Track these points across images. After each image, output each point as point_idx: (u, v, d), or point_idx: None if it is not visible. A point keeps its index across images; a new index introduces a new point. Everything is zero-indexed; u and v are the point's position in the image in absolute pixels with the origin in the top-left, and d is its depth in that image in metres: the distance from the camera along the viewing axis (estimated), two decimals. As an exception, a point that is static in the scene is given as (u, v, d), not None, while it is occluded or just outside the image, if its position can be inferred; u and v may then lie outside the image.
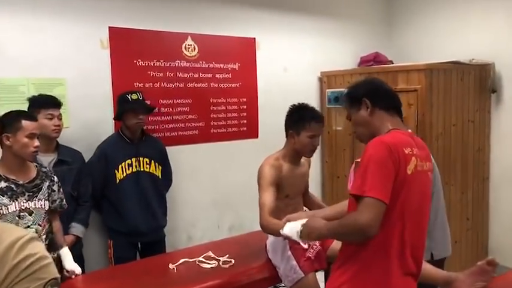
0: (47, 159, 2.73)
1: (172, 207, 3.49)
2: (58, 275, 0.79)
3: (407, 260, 1.76)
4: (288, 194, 2.59)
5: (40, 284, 0.75)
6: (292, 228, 2.04)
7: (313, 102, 4.42)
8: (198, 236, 3.79)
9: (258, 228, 3.88)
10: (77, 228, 2.89)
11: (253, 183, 4.02)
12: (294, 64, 4.26)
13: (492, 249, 4.25)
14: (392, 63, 4.49)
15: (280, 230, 2.12)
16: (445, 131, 3.79)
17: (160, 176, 3.25)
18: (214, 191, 3.88)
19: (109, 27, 3.24)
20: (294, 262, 2.52)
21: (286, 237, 2.13)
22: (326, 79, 4.38)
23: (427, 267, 2.21)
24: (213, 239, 3.82)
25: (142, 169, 3.15)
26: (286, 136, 2.63)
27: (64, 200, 2.54)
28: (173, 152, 3.46)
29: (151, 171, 3.20)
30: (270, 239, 2.66)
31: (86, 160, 3.05)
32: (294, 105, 2.67)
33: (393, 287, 1.74)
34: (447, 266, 3.17)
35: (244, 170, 3.99)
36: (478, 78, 4.03)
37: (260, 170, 2.59)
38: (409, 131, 1.85)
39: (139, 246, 3.23)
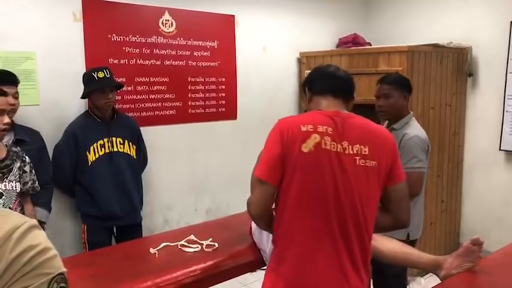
0: (4, 139, 2.53)
1: (148, 190, 3.36)
2: (65, 269, 0.67)
3: (326, 253, 1.64)
4: None
5: (45, 280, 0.63)
6: None
7: (292, 83, 4.36)
8: (175, 220, 3.68)
9: (235, 211, 3.84)
10: (40, 213, 2.64)
11: (230, 166, 3.97)
12: (273, 44, 4.16)
13: (464, 230, 4.34)
14: (371, 45, 4.46)
15: None
16: (424, 114, 3.79)
17: (135, 156, 3.11)
18: (191, 173, 3.76)
19: (82, -2, 3.04)
20: (280, 245, 2.46)
21: None
22: (305, 60, 4.31)
23: (412, 252, 2.19)
24: (190, 222, 3.73)
25: (115, 149, 3.00)
26: None
27: (37, 182, 2.38)
28: (149, 132, 3.32)
29: (125, 151, 3.05)
30: (255, 222, 2.59)
31: (45, 140, 2.84)
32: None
33: (304, 280, 1.66)
34: (422, 247, 3.21)
35: (222, 152, 3.91)
36: (456, 61, 4.06)
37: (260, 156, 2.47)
38: (345, 112, 1.74)
39: (114, 230, 3.09)
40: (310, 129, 1.63)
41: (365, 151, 1.65)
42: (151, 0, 3.36)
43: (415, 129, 2.60)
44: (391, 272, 2.55)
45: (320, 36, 4.51)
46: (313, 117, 1.69)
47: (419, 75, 3.70)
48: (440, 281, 2.02)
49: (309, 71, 4.18)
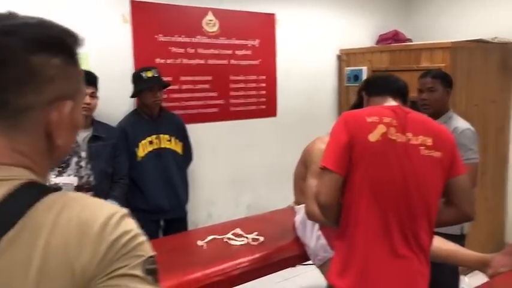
0: (82, 135, 2.67)
1: (192, 185, 3.46)
2: (154, 253, 0.75)
3: (393, 240, 1.70)
4: None
5: (139, 262, 0.71)
6: None
7: (332, 80, 4.38)
8: (217, 214, 3.78)
9: (275, 206, 3.90)
10: None
11: (270, 162, 4.03)
12: (312, 41, 4.19)
13: (509, 229, 4.25)
14: (411, 42, 4.42)
15: None
16: (467, 111, 3.73)
17: (181, 153, 3.22)
18: (233, 169, 3.85)
19: (131, 1, 3.16)
20: (324, 241, 2.50)
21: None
22: (345, 57, 4.31)
23: (457, 250, 2.19)
24: (232, 217, 3.81)
25: (163, 146, 3.12)
26: None
27: (91, 177, 2.51)
28: (193, 129, 3.42)
29: (172, 147, 3.17)
30: (298, 216, 2.64)
31: None
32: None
33: (372, 270, 1.71)
34: (465, 246, 3.18)
35: (261, 149, 3.97)
36: (501, 57, 3.97)
37: (312, 154, 2.50)
38: (405, 108, 1.83)
39: (161, 223, 3.21)
40: (376, 121, 1.69)
41: (429, 142, 1.72)
42: (195, 1, 3.46)
43: (464, 123, 2.66)
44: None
45: (360, 33, 4.51)
46: (377, 110, 1.77)
47: (462, 72, 3.65)
48: (488, 279, 2.02)
49: (349, 68, 4.24)
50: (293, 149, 4.14)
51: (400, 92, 1.89)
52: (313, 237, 2.54)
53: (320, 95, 4.30)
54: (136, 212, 2.93)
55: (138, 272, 0.70)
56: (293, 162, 4.08)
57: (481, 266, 2.10)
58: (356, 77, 4.18)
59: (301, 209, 2.60)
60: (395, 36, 4.49)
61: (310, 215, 2.37)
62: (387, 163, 1.68)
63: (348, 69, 4.28)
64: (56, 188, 0.74)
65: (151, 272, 0.72)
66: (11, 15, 0.76)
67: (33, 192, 0.71)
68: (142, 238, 0.74)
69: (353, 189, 1.71)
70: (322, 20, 4.23)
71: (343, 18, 4.37)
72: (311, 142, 2.63)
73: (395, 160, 1.68)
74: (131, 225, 0.73)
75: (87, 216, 0.70)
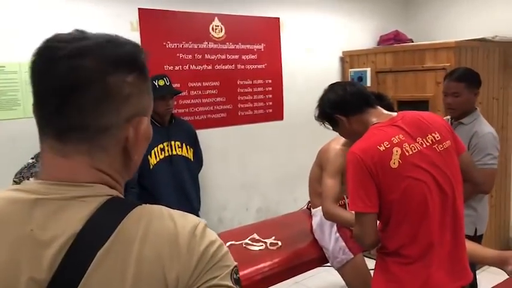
0: None
1: (203, 191, 3.46)
2: (236, 263, 0.76)
3: (452, 257, 1.75)
4: (344, 183, 2.54)
5: (227, 272, 0.72)
6: None
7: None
8: (229, 218, 3.79)
9: (284, 210, 3.92)
10: None
11: (279, 165, 4.04)
12: (316, 44, 4.22)
13: (514, 225, 4.31)
14: (412, 42, 4.46)
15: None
16: (472, 109, 3.78)
17: (192, 159, 3.22)
18: (242, 173, 3.86)
19: (138, 8, 3.16)
20: (343, 243, 2.53)
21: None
22: (348, 59, 4.35)
23: (475, 248, 2.21)
24: (243, 221, 3.83)
25: (174, 153, 3.12)
26: None
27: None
28: (202, 135, 3.43)
29: (183, 154, 3.17)
30: (316, 219, 2.66)
31: None
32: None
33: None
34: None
35: (270, 153, 3.99)
36: (503, 55, 4.02)
37: (327, 154, 2.52)
38: (394, 114, 1.80)
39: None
40: (388, 146, 1.67)
41: (437, 137, 1.74)
42: (201, 7, 3.47)
43: (486, 126, 2.62)
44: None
45: (361, 35, 4.54)
46: (381, 134, 1.72)
47: (466, 71, 3.69)
48: (508, 276, 2.05)
49: (353, 70, 4.26)
50: (300, 151, 4.18)
51: (372, 97, 1.88)
52: (332, 239, 2.56)
53: (325, 97, 4.32)
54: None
55: (228, 282, 0.72)
56: (301, 164, 4.12)
57: (500, 264, 2.10)
58: (360, 78, 4.21)
59: (318, 212, 2.62)
60: (396, 37, 4.52)
61: (328, 215, 2.38)
62: (418, 178, 1.68)
63: (351, 70, 4.31)
64: (137, 202, 0.76)
65: (238, 281, 0.74)
66: (82, 35, 0.76)
67: (119, 207, 0.73)
68: (226, 248, 0.76)
69: (395, 218, 1.70)
70: (325, 23, 4.26)
71: (344, 21, 4.40)
72: (326, 144, 2.66)
73: (422, 172, 1.68)
74: (214, 235, 0.76)
75: (175, 227, 0.72)
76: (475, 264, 2.73)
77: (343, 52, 4.38)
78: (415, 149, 1.70)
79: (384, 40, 4.58)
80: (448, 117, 2.80)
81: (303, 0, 4.08)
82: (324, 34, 4.27)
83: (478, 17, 4.28)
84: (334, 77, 4.38)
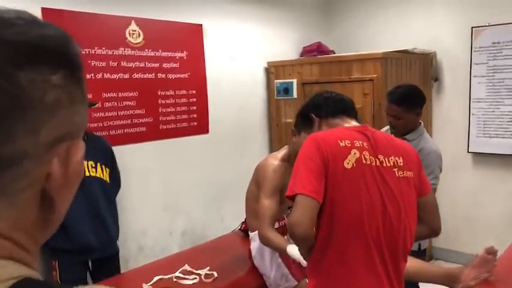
0: None
1: (120, 215, 3.05)
2: None
3: (378, 277, 1.56)
4: (285, 201, 2.30)
5: None
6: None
7: (261, 92, 4.23)
8: (150, 245, 3.40)
9: (212, 231, 3.62)
10: None
11: (205, 182, 3.74)
12: (240, 53, 4.01)
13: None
14: (335, 53, 4.44)
15: (287, 248, 2.03)
16: (397, 120, 3.79)
17: (108, 180, 2.82)
18: (165, 193, 3.50)
19: (42, 8, 2.71)
20: (286, 269, 2.30)
21: (291, 256, 2.03)
22: (274, 69, 4.18)
23: (422, 267, 2.13)
24: (166, 247, 3.47)
25: (88, 174, 2.70)
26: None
27: None
28: (119, 152, 3.03)
29: (98, 175, 2.76)
30: (255, 244, 2.40)
31: None
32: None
33: None
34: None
35: (195, 169, 3.68)
36: (422, 67, 4.11)
37: (264, 170, 2.29)
38: (366, 125, 1.74)
39: (89, 264, 2.77)
40: (348, 145, 1.55)
41: (400, 162, 1.61)
42: (116, 9, 3.09)
43: (429, 144, 2.58)
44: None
45: (285, 46, 4.42)
46: (347, 133, 1.62)
47: (392, 82, 3.68)
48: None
49: (278, 81, 4.12)
50: (227, 166, 3.92)
51: (353, 109, 1.82)
52: (273, 266, 2.32)
53: (251, 107, 4.13)
54: (59, 254, 2.49)
55: None
56: (228, 180, 3.87)
57: (450, 281, 2.05)
58: (286, 89, 4.07)
59: (257, 236, 2.36)
60: (319, 48, 4.47)
61: (263, 239, 2.18)
62: (365, 191, 1.53)
63: (277, 81, 4.15)
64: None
65: None
66: None
67: None
68: None
69: (331, 221, 1.52)
70: (249, 32, 4.07)
71: (268, 31, 4.25)
72: (263, 159, 2.43)
73: (373, 186, 1.54)
74: None
75: None
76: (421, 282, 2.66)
77: (268, 63, 4.22)
78: (373, 162, 1.56)
79: (307, 51, 4.50)
80: (386, 127, 2.73)
81: (226, 7, 3.85)
82: (248, 43, 4.07)
83: (399, 31, 4.37)
84: (260, 88, 4.21)
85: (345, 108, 1.79)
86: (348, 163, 1.51)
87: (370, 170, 1.55)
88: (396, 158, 1.61)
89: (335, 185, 1.49)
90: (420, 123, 2.65)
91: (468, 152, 4.10)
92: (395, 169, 1.59)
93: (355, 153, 1.53)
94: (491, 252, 2.00)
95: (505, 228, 4.01)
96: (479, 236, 4.18)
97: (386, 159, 1.59)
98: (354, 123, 1.74)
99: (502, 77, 3.84)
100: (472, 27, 3.93)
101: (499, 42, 3.82)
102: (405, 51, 3.86)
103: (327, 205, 1.50)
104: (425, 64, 4.14)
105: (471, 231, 4.22)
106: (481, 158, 4.08)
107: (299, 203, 1.47)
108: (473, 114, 4.04)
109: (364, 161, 1.54)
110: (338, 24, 4.81)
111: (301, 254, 1.70)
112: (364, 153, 1.55)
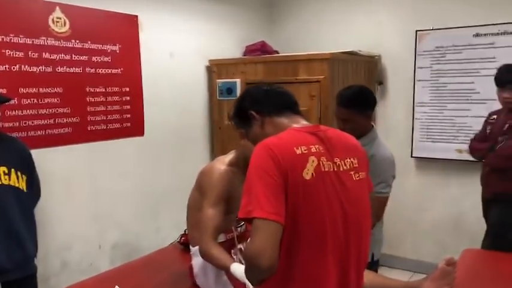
0: None
1: (40, 228, 2.65)
2: None
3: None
4: (233, 211, 2.04)
5: None
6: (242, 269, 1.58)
7: (202, 92, 3.96)
8: (75, 261, 3.02)
9: (146, 243, 3.30)
10: None
11: (139, 190, 3.41)
12: (180, 50, 3.71)
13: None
14: (278, 53, 4.27)
15: (231, 267, 1.82)
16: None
17: (25, 189, 2.42)
18: (93, 202, 3.13)
19: None
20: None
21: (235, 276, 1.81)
22: (216, 68, 3.92)
23: (381, 282, 1.99)
24: (94, 262, 3.11)
25: (-1, 182, 2.30)
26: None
27: None
28: (40, 156, 2.63)
29: (11, 183, 2.34)
30: (197, 260, 2.13)
31: None
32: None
33: None
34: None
35: (128, 175, 3.35)
36: (368, 69, 4.03)
37: (209, 176, 2.04)
38: (317, 125, 1.52)
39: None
40: (305, 151, 1.34)
41: (355, 163, 1.46)
42: (37, -8, 2.70)
43: (383, 150, 2.39)
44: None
45: (227, 43, 4.18)
46: (300, 136, 1.41)
47: (339, 84, 3.55)
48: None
49: (221, 80, 3.87)
50: (164, 172, 3.60)
51: (297, 104, 1.59)
52: (219, 284, 2.06)
53: (191, 108, 3.84)
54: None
55: None
56: (165, 188, 3.55)
57: None
58: (229, 90, 3.82)
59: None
60: (263, 48, 4.27)
61: (204, 254, 1.95)
62: (327, 202, 1.35)
63: (219, 81, 3.90)
64: None
65: None
66: None
67: None
68: None
69: (294, 240, 1.31)
70: (189, 26, 3.78)
71: (209, 27, 3.99)
72: (208, 164, 2.18)
73: (334, 197, 1.36)
74: None
75: None
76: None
77: (210, 61, 3.95)
78: (331, 168, 1.38)
79: (250, 51, 4.28)
80: None
81: (165, -2, 3.55)
82: (188, 39, 3.78)
83: (343, 32, 4.27)
84: (201, 87, 3.94)
85: (289, 103, 1.56)
86: (307, 173, 1.30)
87: (329, 178, 1.37)
88: (351, 159, 1.46)
89: (296, 202, 1.28)
90: (372, 126, 2.49)
91: (411, 156, 4.07)
92: (352, 172, 1.44)
93: (313, 161, 1.33)
94: (451, 263, 1.87)
95: (447, 233, 4.01)
96: (422, 241, 4.17)
97: (342, 162, 1.42)
98: (303, 122, 1.52)
99: (445, 81, 3.84)
100: (417, 31, 3.91)
101: (442, 46, 3.81)
102: (351, 53, 3.75)
103: (288, 225, 1.27)
104: (371, 67, 4.06)
105: (415, 236, 4.19)
106: (424, 162, 4.06)
107: (259, 228, 1.23)
108: (416, 119, 4.01)
109: (323, 169, 1.36)
110: (282, 24, 4.64)
111: (250, 280, 1.45)
112: (321, 159, 1.36)
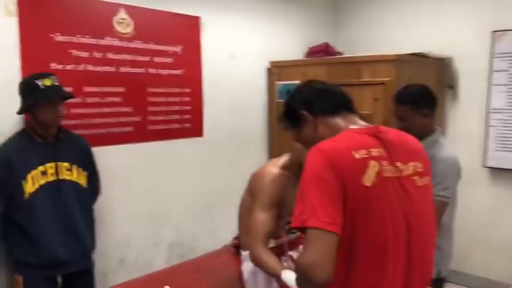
0: None
1: (99, 225, 2.73)
2: None
3: None
4: (284, 216, 1.97)
5: None
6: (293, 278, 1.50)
7: (261, 94, 3.91)
8: (132, 258, 3.07)
9: (202, 244, 3.29)
10: None
11: (196, 191, 3.42)
12: (241, 51, 3.69)
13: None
14: (341, 55, 4.13)
15: (282, 274, 1.71)
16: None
17: (85, 185, 2.49)
18: (151, 201, 3.17)
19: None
20: (283, 297, 1.96)
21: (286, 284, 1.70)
22: (276, 70, 3.87)
23: None
24: (150, 260, 3.15)
25: (61, 177, 2.37)
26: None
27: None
28: (101, 153, 2.71)
29: (73, 179, 2.43)
30: (247, 265, 2.07)
31: None
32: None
33: None
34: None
35: (186, 176, 3.36)
36: (437, 72, 3.79)
37: (261, 180, 1.98)
38: (377, 126, 1.39)
39: (59, 280, 2.44)
40: (365, 156, 1.24)
41: (420, 168, 1.36)
42: (103, -6, 2.79)
43: (446, 151, 2.20)
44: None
45: (289, 45, 4.11)
46: (358, 139, 1.30)
47: (405, 86, 3.37)
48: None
49: (281, 82, 3.80)
50: (222, 173, 3.59)
51: (352, 102, 1.48)
52: (269, 292, 1.99)
53: (250, 110, 3.81)
54: (25, 268, 2.11)
55: None
56: (223, 189, 3.53)
57: None
58: (289, 92, 3.73)
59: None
60: (326, 49, 4.17)
61: (256, 261, 1.87)
62: (389, 212, 1.25)
63: (279, 83, 3.83)
64: None
65: None
66: None
67: None
68: None
69: (351, 251, 1.23)
70: (250, 28, 3.76)
71: (272, 28, 3.94)
72: (260, 167, 2.11)
73: (396, 205, 1.26)
74: None
75: None
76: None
77: (271, 62, 3.90)
78: (393, 173, 1.28)
79: (313, 52, 4.19)
80: None
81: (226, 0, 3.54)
82: (249, 40, 3.75)
83: (411, 33, 4.07)
84: (261, 89, 3.90)
85: (343, 101, 1.46)
86: (367, 180, 1.21)
87: (392, 185, 1.26)
88: (415, 163, 1.35)
89: (355, 210, 1.19)
90: (435, 129, 2.30)
91: (484, 166, 3.77)
92: (416, 177, 1.34)
93: (374, 166, 1.23)
94: None
95: (522, 250, 3.69)
96: (493, 258, 3.86)
97: (405, 166, 1.32)
98: (360, 122, 1.42)
99: (525, 86, 3.53)
100: (493, 31, 3.62)
101: (522, 48, 3.51)
102: (420, 55, 3.54)
103: (346, 233, 1.19)
104: (440, 70, 3.82)
105: (485, 252, 3.88)
106: (498, 173, 3.75)
107: (314, 239, 1.15)
108: (491, 126, 3.71)
109: (385, 174, 1.25)
110: (347, 25, 4.50)
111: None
112: (383, 163, 1.26)
